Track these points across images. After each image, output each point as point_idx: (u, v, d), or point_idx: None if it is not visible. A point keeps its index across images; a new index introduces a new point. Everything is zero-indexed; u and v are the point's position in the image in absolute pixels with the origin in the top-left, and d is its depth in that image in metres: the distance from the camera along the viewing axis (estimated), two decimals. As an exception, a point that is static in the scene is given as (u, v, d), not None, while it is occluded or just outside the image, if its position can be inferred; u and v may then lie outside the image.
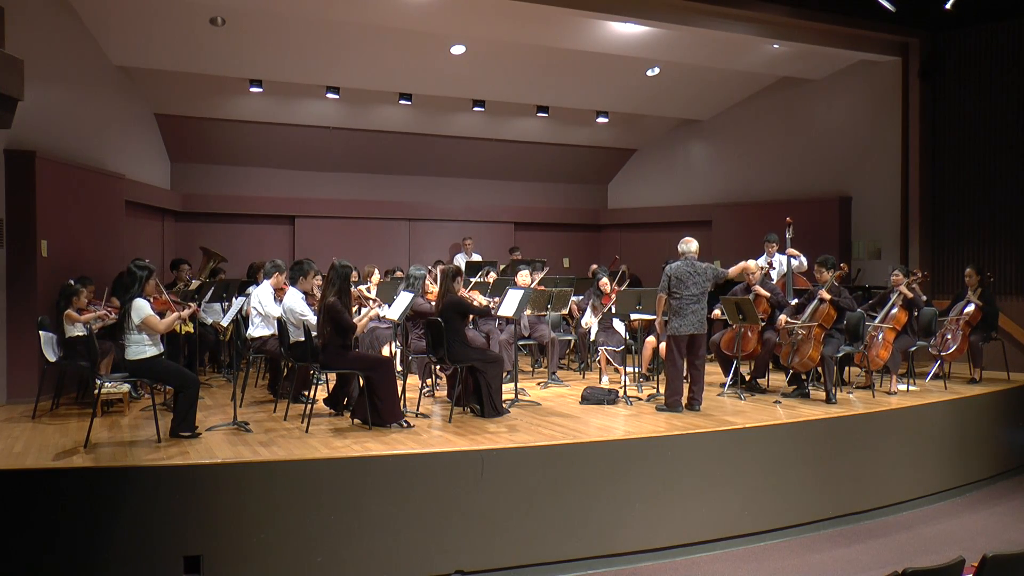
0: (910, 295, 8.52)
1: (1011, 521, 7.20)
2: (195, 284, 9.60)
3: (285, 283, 7.80)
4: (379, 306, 8.13)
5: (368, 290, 9.03)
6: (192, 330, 8.56)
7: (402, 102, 11.92)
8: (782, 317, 8.11)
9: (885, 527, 6.99)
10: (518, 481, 5.83)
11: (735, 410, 7.37)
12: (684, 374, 7.42)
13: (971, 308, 8.98)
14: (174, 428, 6.22)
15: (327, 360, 6.74)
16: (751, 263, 8.69)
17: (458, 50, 10.84)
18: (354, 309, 7.41)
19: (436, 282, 9.10)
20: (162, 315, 6.33)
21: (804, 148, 12.59)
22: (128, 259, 7.47)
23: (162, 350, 6.30)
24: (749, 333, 8.40)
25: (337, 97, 11.64)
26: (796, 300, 8.45)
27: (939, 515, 7.32)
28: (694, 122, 13.97)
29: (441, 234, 13.80)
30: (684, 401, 7.35)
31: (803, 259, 9.46)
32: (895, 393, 8.22)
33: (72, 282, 7.60)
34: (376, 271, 10.03)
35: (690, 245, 7.44)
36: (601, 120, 13.28)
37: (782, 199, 12.35)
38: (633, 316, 8.23)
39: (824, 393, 7.81)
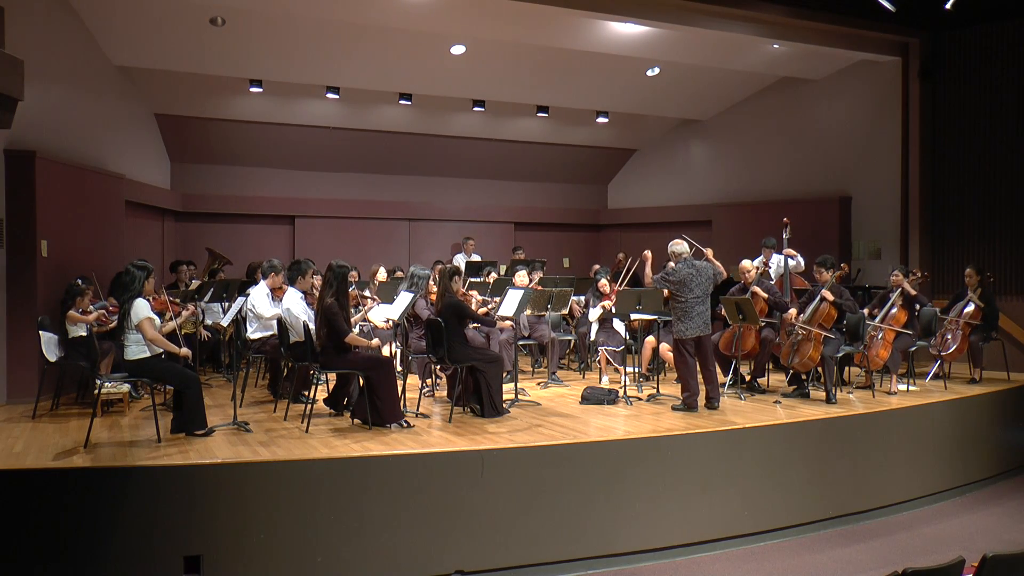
0: (913, 292, 8.52)
1: (1011, 521, 7.20)
2: (195, 284, 9.60)
3: (284, 283, 7.80)
4: (377, 304, 8.11)
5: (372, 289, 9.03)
6: (192, 330, 8.56)
7: (402, 102, 11.93)
8: (792, 311, 8.09)
9: (885, 527, 6.99)
10: (518, 481, 5.83)
11: (735, 410, 7.37)
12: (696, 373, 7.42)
13: (971, 308, 8.98)
14: (186, 428, 6.21)
15: (327, 360, 6.73)
16: (746, 262, 8.69)
17: (458, 50, 10.84)
18: (352, 309, 7.40)
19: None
20: (161, 315, 6.32)
21: (804, 148, 12.59)
22: (128, 259, 7.46)
23: (161, 350, 6.29)
24: (747, 332, 8.39)
25: (337, 97, 11.64)
26: (795, 301, 8.45)
27: (939, 515, 7.32)
28: (694, 122, 13.98)
29: (441, 234, 13.80)
30: (701, 401, 7.37)
31: (800, 259, 9.46)
32: (895, 393, 8.22)
33: (79, 281, 7.59)
34: (382, 269, 10.03)
35: (683, 246, 7.46)
36: (601, 120, 13.29)
37: (782, 199, 12.35)
38: (633, 316, 8.23)
39: (824, 393, 7.80)
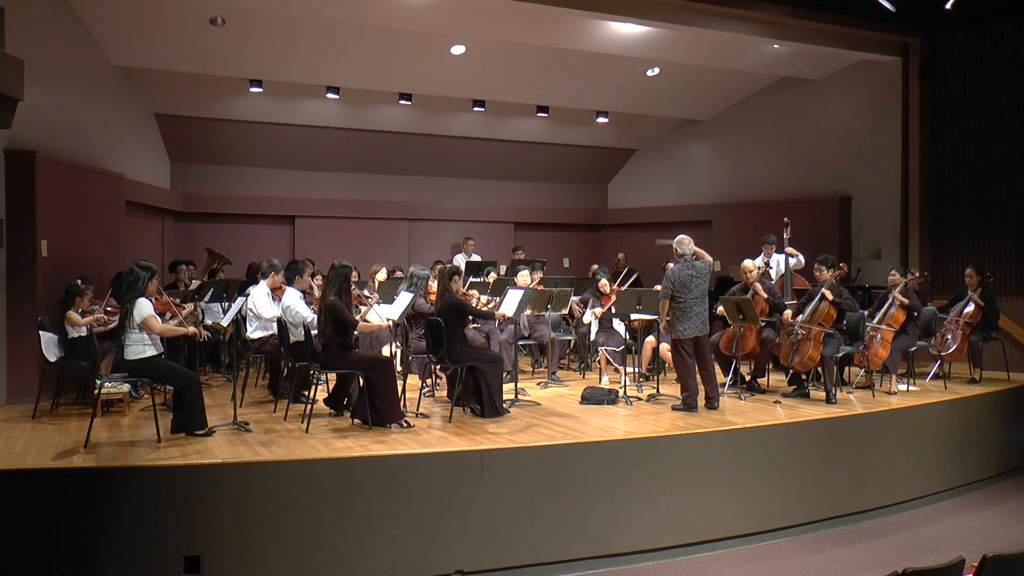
0: (905, 301, 8.49)
1: (1011, 521, 7.21)
2: (195, 284, 9.60)
3: (283, 283, 7.80)
4: (377, 302, 8.11)
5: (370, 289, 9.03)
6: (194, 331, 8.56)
7: (402, 102, 11.93)
8: (787, 312, 8.09)
9: (885, 527, 6.99)
10: (518, 481, 5.83)
11: (735, 410, 7.37)
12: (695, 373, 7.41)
13: (971, 308, 8.98)
14: (186, 428, 6.21)
15: (327, 360, 6.74)
16: (747, 262, 8.68)
17: (458, 50, 10.84)
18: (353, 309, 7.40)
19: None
20: (162, 316, 6.32)
21: (804, 148, 12.59)
22: (128, 259, 7.48)
23: (162, 350, 6.30)
24: (747, 332, 8.39)
25: (337, 97, 11.64)
26: (796, 300, 8.44)
27: (939, 515, 7.32)
28: (694, 122, 13.97)
29: (441, 234, 13.80)
30: (701, 401, 7.37)
31: (801, 257, 9.45)
32: (895, 393, 8.21)
33: (79, 282, 7.59)
34: (383, 269, 10.03)
35: (689, 246, 7.43)
36: (601, 120, 13.28)
37: (782, 199, 12.35)
38: (633, 316, 8.23)
39: (824, 393, 7.80)
